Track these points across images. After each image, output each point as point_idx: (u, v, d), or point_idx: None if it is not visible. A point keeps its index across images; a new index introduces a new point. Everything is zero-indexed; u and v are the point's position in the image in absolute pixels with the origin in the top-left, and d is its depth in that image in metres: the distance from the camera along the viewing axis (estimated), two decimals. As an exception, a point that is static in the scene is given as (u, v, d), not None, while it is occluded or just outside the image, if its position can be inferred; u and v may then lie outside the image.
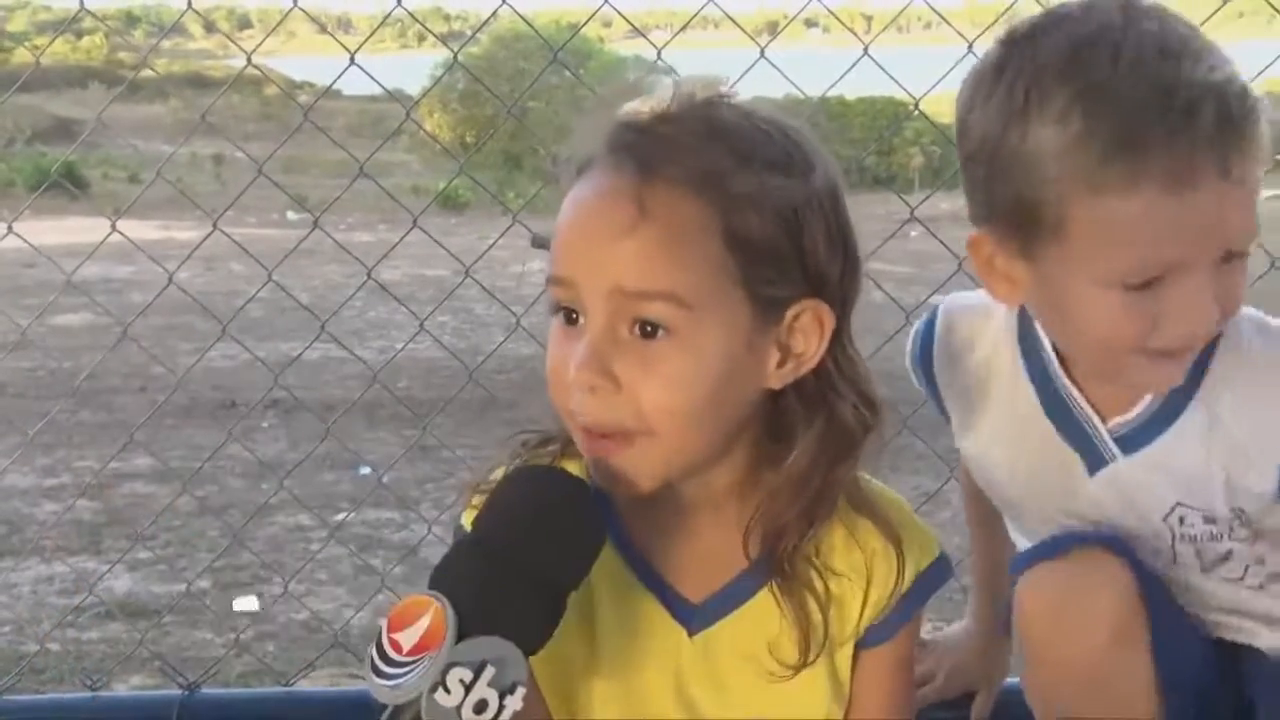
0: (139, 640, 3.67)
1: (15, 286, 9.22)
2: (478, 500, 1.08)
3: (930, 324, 1.34)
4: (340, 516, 5.34)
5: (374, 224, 13.87)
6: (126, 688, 4.02)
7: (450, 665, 0.87)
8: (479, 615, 0.88)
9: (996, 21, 1.37)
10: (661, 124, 1.04)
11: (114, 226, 1.91)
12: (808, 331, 1.05)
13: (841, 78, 1.79)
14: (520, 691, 0.88)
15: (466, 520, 1.11)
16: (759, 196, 1.02)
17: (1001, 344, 1.27)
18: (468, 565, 0.92)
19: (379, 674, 0.88)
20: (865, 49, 1.80)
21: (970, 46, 1.58)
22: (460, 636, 0.87)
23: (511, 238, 2.47)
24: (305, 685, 2.31)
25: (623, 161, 1.02)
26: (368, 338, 9.59)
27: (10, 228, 1.88)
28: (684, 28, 2.16)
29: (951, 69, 1.70)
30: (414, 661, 0.87)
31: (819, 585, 1.10)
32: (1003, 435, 1.29)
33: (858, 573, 1.12)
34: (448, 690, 0.86)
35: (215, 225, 1.90)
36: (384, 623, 0.89)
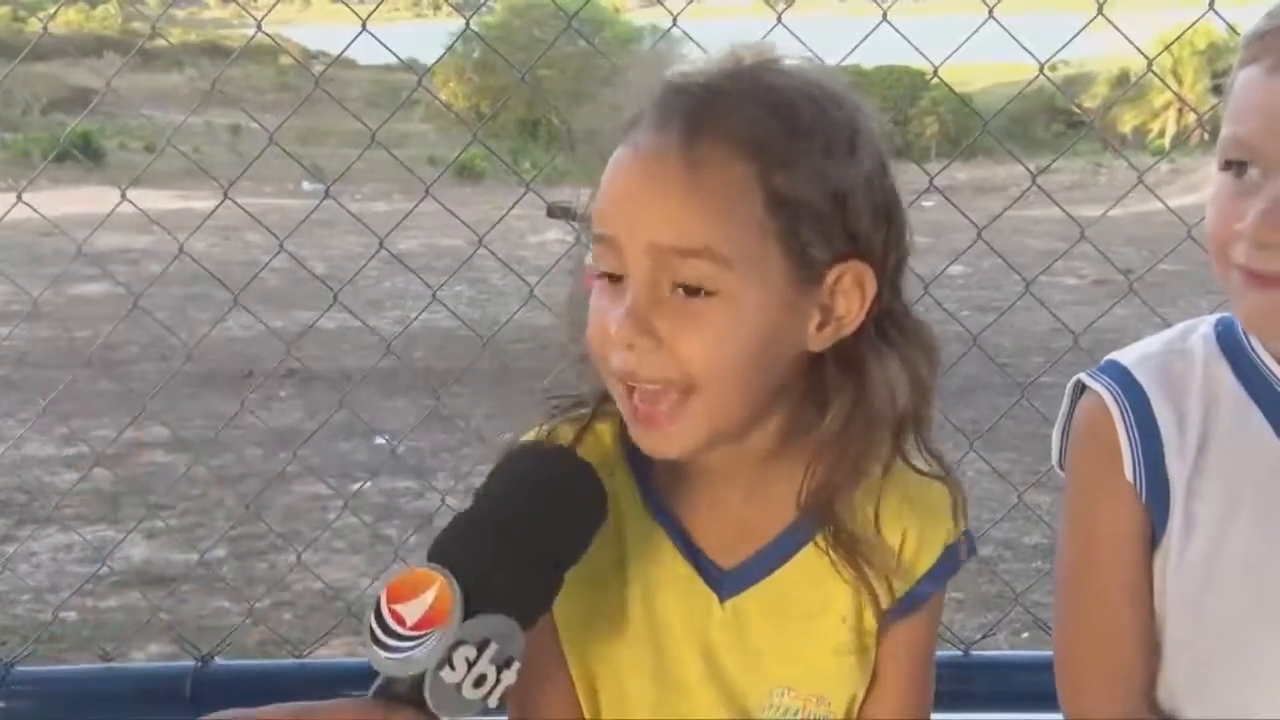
0: (155, 609, 3.70)
1: (33, 256, 9.26)
2: None
3: (1125, 379, 1.16)
4: (357, 486, 5.35)
5: (390, 194, 13.87)
6: (145, 655, 4.06)
7: (457, 643, 0.88)
8: (482, 592, 0.90)
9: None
10: (709, 85, 1.03)
11: (124, 195, 1.90)
12: (849, 294, 1.04)
13: (860, 44, 1.77)
14: (516, 666, 0.90)
15: None
16: (803, 161, 1.01)
17: (1214, 369, 1.15)
18: (471, 541, 0.94)
19: (380, 645, 0.89)
20: (884, 15, 1.78)
21: (990, 12, 1.55)
22: (464, 613, 0.89)
23: (528, 207, 2.46)
24: (324, 653, 2.33)
25: (667, 120, 1.01)
26: (385, 308, 9.61)
27: (19, 197, 1.87)
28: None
29: (970, 36, 1.69)
30: (419, 636, 0.89)
31: (860, 550, 1.10)
32: (1242, 495, 1.12)
33: (893, 539, 1.12)
34: (453, 667, 0.88)
35: (226, 194, 1.89)
36: (383, 592, 0.91)
